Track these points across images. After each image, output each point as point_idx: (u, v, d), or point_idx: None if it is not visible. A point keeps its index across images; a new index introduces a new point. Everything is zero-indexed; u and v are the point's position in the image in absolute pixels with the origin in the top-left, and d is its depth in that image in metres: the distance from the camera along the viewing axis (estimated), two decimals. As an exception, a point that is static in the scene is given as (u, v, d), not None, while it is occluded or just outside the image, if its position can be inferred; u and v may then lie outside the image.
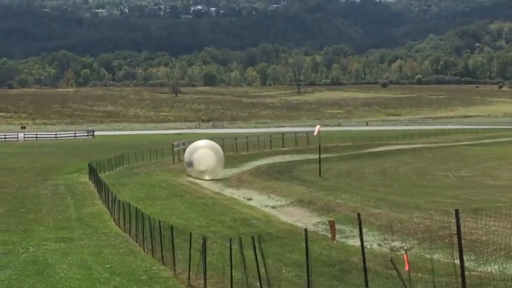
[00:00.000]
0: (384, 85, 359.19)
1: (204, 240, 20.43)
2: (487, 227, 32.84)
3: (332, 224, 16.11)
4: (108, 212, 43.26)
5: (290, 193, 49.50)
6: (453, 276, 19.00)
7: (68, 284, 21.87)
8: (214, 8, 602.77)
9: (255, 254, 17.29)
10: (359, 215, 13.65)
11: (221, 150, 68.40)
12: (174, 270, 24.22)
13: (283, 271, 21.50)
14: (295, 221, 39.74)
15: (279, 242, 28.48)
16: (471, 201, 44.03)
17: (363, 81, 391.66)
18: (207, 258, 21.63)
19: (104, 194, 47.42)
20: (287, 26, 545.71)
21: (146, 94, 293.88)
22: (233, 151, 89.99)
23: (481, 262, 25.90)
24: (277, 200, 48.11)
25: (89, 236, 34.33)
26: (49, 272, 24.58)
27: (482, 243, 28.51)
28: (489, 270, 24.43)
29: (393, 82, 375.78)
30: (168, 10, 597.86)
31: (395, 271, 16.96)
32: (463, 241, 31.10)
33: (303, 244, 26.45)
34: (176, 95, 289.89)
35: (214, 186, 59.46)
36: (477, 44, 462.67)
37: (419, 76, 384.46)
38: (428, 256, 26.31)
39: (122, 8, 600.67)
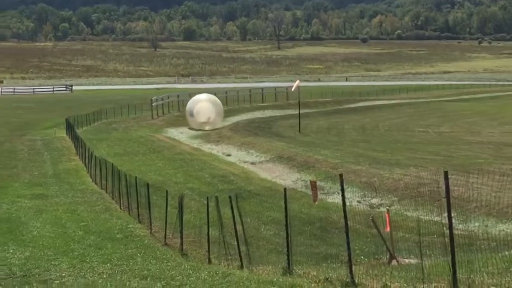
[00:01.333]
0: (364, 41, 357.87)
1: (181, 198, 19.81)
2: (468, 184, 32.53)
3: (313, 184, 15.17)
4: (85, 168, 42.57)
5: (269, 149, 49.07)
6: (435, 236, 18.62)
7: (41, 242, 21.13)
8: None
9: (232, 212, 16.71)
10: (341, 176, 13.03)
11: (220, 103, 72.89)
12: (150, 228, 23.63)
13: (262, 229, 21.02)
14: (274, 178, 39.35)
15: (258, 199, 27.90)
16: (451, 157, 43.79)
17: (343, 36, 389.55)
18: (184, 216, 21.10)
19: (81, 150, 46.72)
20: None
21: (125, 49, 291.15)
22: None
23: (461, 220, 25.59)
24: (256, 156, 47.66)
25: (65, 193, 33.61)
26: (22, 231, 23.81)
27: (464, 200, 28.19)
28: (470, 228, 24.17)
29: (373, 37, 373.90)
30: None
31: (376, 230, 16.50)
32: (444, 199, 30.76)
33: (282, 202, 26.09)
34: (155, 50, 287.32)
35: (193, 141, 58.92)
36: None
37: (399, 31, 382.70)
38: (408, 214, 25.99)
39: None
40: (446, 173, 10.90)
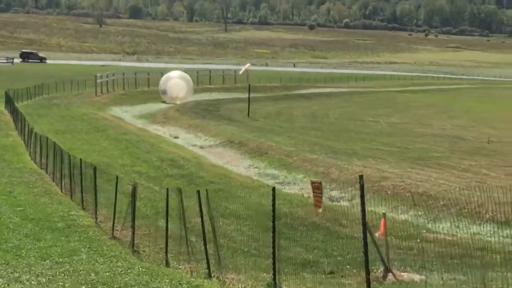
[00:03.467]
0: (311, 27, 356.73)
1: (134, 188, 17.49)
2: (432, 179, 30.92)
3: (317, 186, 11.96)
4: (24, 145, 39.87)
5: (218, 133, 47.17)
6: (418, 240, 16.82)
7: (-31, 230, 18.45)
8: None
9: (200, 207, 14.42)
10: (361, 177, 10.63)
11: (190, 80, 78.16)
12: (96, 217, 21.08)
13: (221, 223, 18.77)
14: (225, 163, 37.33)
15: (212, 188, 25.74)
16: (407, 150, 42.33)
17: (291, 22, 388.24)
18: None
19: (20, 125, 43.98)
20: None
21: (70, 24, 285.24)
22: (157, 86, 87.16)
23: (431, 218, 23.86)
24: (205, 140, 45.72)
25: (1, 172, 30.80)
26: None
27: (431, 198, 26.54)
28: (441, 228, 22.34)
29: (321, 25, 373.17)
30: None
31: (348, 230, 14.47)
32: (408, 194, 28.94)
33: (239, 192, 24.02)
34: (100, 26, 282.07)
35: (138, 121, 56.79)
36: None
37: (346, 20, 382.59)
38: (373, 209, 24.13)
39: None
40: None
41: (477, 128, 61.57)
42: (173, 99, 72.20)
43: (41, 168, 32.20)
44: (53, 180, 28.76)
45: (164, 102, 71.90)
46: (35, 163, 34.03)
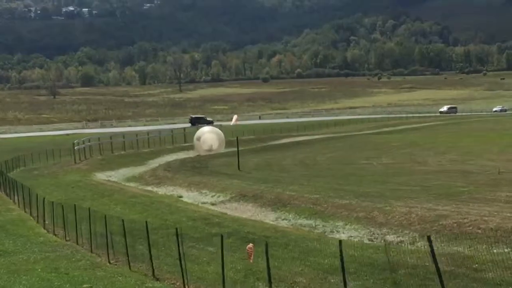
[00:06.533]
0: (265, 80, 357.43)
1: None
2: (494, 213, 28.67)
3: None
4: (32, 218, 36.87)
5: (224, 188, 44.80)
6: None
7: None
8: (87, 9, 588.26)
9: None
10: (429, 237, 8.49)
11: (222, 133, 74.46)
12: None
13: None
14: (250, 217, 34.78)
15: (276, 243, 23.13)
16: (428, 188, 40.22)
17: (244, 77, 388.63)
18: (198, 267, 16.20)
19: (19, 198, 41.01)
20: (162, 24, 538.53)
21: (23, 97, 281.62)
22: (133, 149, 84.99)
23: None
24: (213, 196, 43.26)
25: (27, 248, 27.65)
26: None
27: (508, 233, 24.40)
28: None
29: (274, 77, 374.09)
30: (39, 12, 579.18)
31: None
32: (479, 231, 26.63)
33: (306, 243, 21.63)
34: (54, 97, 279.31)
35: (132, 184, 54.08)
36: (352, 37, 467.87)
37: (299, 70, 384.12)
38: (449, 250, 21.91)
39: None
40: None
41: (474, 161, 59.73)
42: (206, 152, 71.47)
43: (65, 240, 29.30)
44: (91, 251, 25.83)
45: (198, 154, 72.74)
46: (55, 235, 31.09)
